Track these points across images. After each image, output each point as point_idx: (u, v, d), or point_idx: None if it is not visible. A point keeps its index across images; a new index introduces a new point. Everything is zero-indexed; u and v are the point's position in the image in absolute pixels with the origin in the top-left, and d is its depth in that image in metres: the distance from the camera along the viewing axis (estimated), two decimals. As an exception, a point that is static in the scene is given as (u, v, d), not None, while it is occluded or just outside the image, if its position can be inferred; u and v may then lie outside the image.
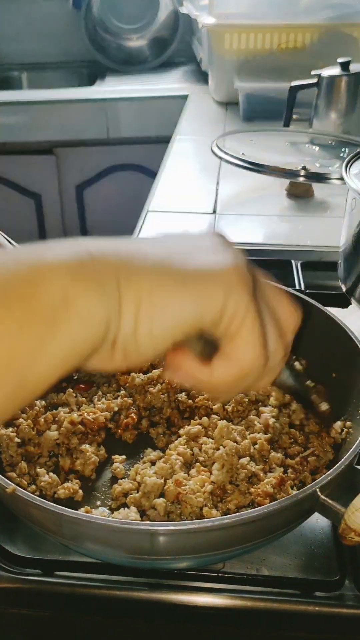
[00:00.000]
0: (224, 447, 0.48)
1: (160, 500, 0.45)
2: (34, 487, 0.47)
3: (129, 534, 0.38)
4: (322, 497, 0.40)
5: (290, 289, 0.60)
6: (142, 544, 0.38)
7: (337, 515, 0.39)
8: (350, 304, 0.67)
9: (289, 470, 0.48)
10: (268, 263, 0.81)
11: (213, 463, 0.48)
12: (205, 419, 0.53)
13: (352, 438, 0.48)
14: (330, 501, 0.40)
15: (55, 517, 0.38)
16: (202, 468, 0.48)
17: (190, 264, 0.31)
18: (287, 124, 1.25)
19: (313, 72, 1.23)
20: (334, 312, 0.55)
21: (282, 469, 0.48)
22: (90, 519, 0.38)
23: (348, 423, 0.49)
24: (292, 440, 0.51)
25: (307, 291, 0.69)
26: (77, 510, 0.41)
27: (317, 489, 0.39)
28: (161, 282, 0.30)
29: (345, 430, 0.50)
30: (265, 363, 0.33)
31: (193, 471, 0.48)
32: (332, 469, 0.40)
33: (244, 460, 0.48)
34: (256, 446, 0.49)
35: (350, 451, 0.42)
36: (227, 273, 0.31)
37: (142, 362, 0.32)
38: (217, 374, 0.33)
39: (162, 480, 0.46)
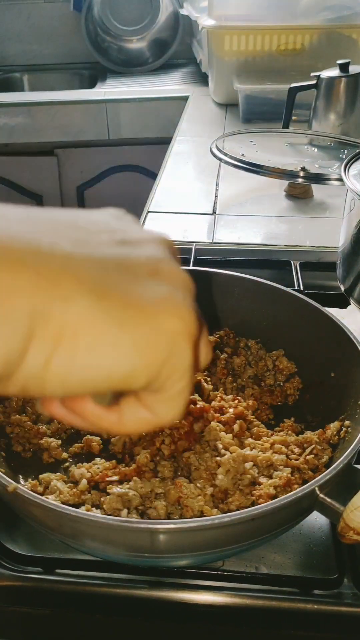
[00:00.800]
0: (231, 453, 0.48)
1: (161, 502, 0.45)
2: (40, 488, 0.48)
3: (129, 532, 0.38)
4: (321, 495, 0.40)
5: (289, 289, 0.60)
6: (142, 542, 0.39)
7: (336, 513, 0.39)
8: (349, 304, 0.67)
9: (296, 475, 0.48)
10: (267, 263, 0.82)
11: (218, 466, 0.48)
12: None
13: (350, 437, 0.48)
14: (329, 500, 0.40)
15: (56, 516, 0.39)
16: (205, 470, 0.48)
17: (132, 291, 0.24)
18: (286, 125, 1.26)
19: (312, 74, 1.23)
20: (333, 312, 0.56)
21: (289, 470, 0.48)
22: (91, 518, 0.38)
23: (347, 422, 0.50)
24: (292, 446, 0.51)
25: (306, 291, 0.69)
26: (77, 508, 0.41)
27: (316, 488, 0.40)
28: (95, 315, 0.23)
29: (344, 429, 0.50)
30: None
31: (195, 474, 0.48)
32: (330, 468, 0.41)
33: (247, 465, 0.48)
34: (259, 456, 0.49)
35: (349, 450, 0.42)
36: (176, 318, 0.24)
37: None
38: (128, 424, 0.28)
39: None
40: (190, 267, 0.74)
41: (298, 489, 0.40)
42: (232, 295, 0.62)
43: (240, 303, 0.62)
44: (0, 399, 0.53)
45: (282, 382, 0.59)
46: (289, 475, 0.47)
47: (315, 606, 0.43)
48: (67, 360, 0.23)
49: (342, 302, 0.69)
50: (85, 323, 0.23)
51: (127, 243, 0.25)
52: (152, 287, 0.24)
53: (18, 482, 0.45)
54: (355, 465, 0.42)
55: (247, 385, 0.59)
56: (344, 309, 0.69)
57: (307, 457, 0.49)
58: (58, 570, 0.45)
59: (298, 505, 0.40)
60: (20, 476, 0.49)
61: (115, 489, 0.46)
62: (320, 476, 0.40)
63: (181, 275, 0.26)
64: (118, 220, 0.27)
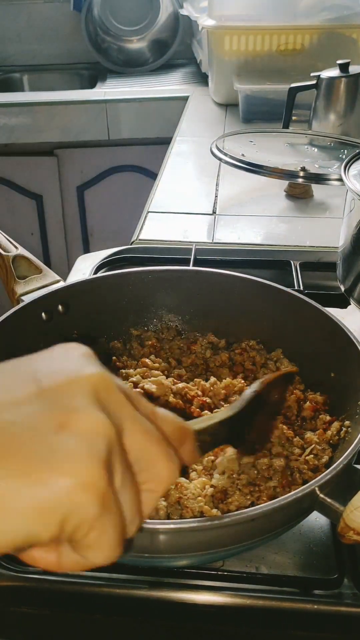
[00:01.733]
0: (225, 454, 0.48)
1: (161, 502, 0.45)
2: None
3: (129, 532, 0.38)
4: (321, 495, 0.40)
5: (289, 289, 0.60)
6: (143, 542, 0.39)
7: (336, 513, 0.39)
8: (349, 304, 0.67)
9: (296, 476, 0.48)
10: (267, 263, 0.82)
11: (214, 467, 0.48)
12: None
13: (350, 437, 0.48)
14: (329, 500, 0.40)
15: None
16: (202, 471, 0.48)
17: (33, 452, 0.24)
18: (286, 125, 1.26)
19: (312, 74, 1.23)
20: (333, 312, 0.56)
21: (289, 472, 0.48)
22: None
23: (347, 422, 0.50)
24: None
25: (306, 291, 0.69)
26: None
27: (316, 488, 0.40)
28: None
29: (344, 429, 0.50)
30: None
31: (193, 474, 0.48)
32: (330, 468, 0.41)
33: (246, 465, 0.48)
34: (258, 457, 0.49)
35: (349, 450, 0.42)
36: (67, 476, 0.24)
37: None
38: (65, 565, 0.27)
39: None
40: (190, 267, 0.74)
41: (298, 489, 0.40)
42: (232, 295, 0.62)
43: (240, 303, 0.62)
44: None
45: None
46: (289, 475, 0.47)
47: (315, 606, 0.43)
48: None
49: (342, 302, 0.69)
50: None
51: (42, 396, 0.25)
52: (54, 445, 0.24)
53: None
54: (355, 465, 0.42)
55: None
56: (344, 309, 0.69)
57: (307, 458, 0.49)
58: (58, 571, 0.45)
59: (298, 505, 0.40)
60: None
61: None
62: (320, 476, 0.40)
63: (91, 424, 0.25)
64: (50, 365, 0.27)
